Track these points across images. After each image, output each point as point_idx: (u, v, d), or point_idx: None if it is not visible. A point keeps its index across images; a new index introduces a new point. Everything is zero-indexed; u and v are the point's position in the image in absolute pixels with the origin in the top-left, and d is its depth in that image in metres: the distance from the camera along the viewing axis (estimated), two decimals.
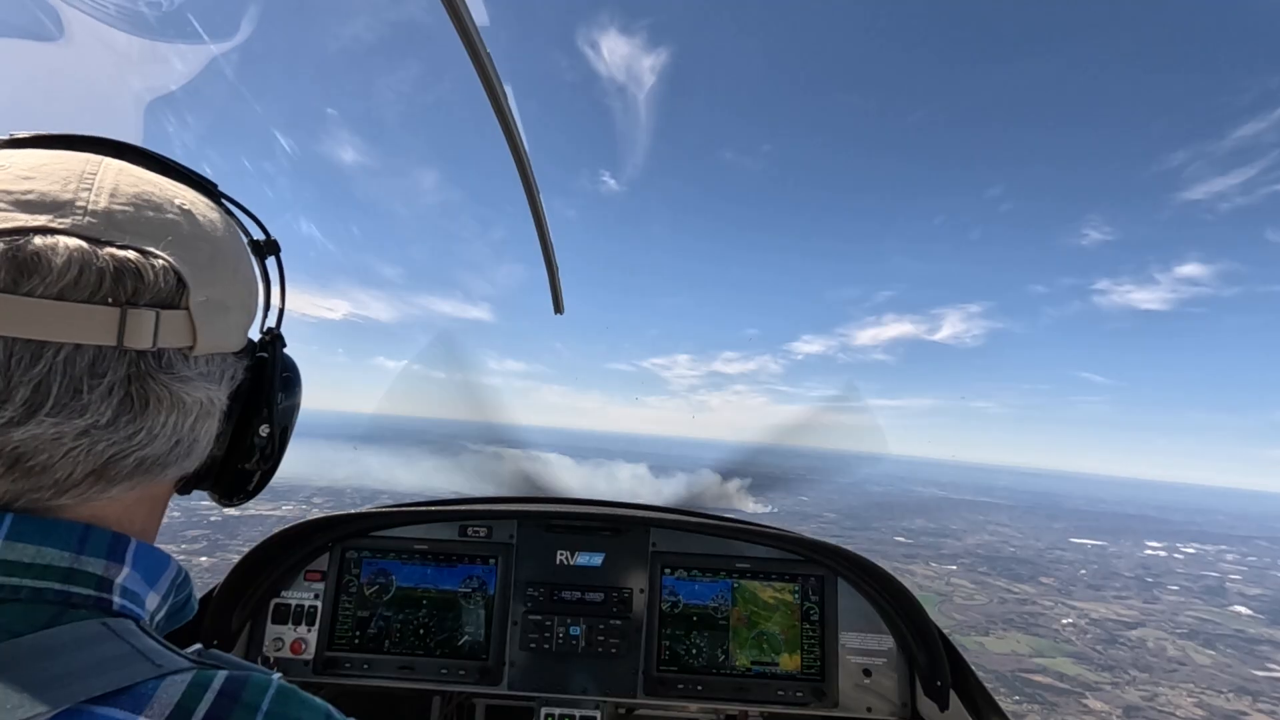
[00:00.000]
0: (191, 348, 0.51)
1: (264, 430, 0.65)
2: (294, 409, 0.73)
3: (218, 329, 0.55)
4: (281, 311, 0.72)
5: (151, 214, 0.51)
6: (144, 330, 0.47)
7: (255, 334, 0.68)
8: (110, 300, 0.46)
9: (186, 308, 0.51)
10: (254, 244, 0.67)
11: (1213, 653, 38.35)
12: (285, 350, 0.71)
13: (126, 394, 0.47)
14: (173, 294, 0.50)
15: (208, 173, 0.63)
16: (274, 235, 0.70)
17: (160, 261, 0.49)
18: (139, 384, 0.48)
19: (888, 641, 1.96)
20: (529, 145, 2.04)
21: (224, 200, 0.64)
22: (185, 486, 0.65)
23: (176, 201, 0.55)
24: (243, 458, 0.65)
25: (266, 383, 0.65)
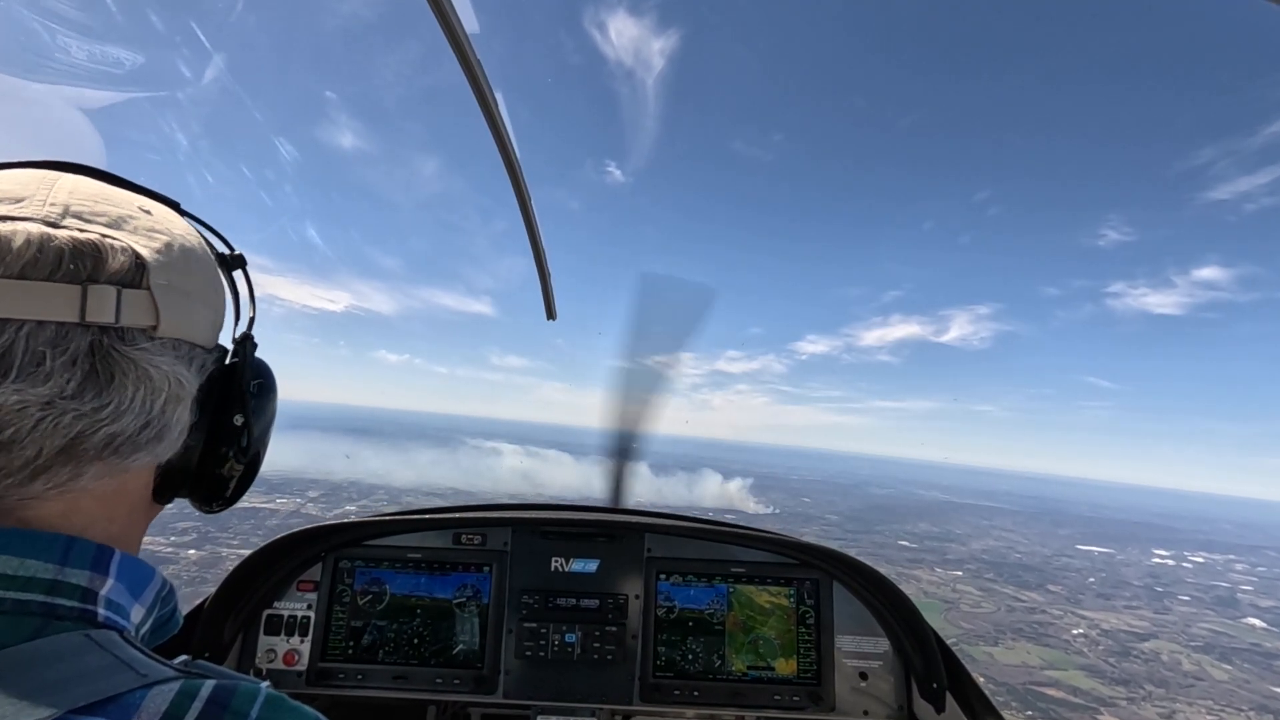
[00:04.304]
0: (155, 327, 0.52)
1: (239, 419, 0.64)
2: (270, 411, 0.72)
3: (181, 314, 0.55)
4: (252, 320, 0.73)
5: (109, 207, 0.54)
6: (106, 305, 0.48)
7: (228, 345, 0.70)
8: (71, 278, 0.47)
9: (148, 287, 0.52)
10: (220, 257, 0.68)
11: (1229, 667, 37.49)
12: (260, 358, 0.71)
13: (91, 367, 0.48)
14: (133, 273, 0.51)
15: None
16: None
17: (120, 243, 0.51)
18: (103, 356, 0.49)
19: (883, 644, 1.95)
20: (521, 152, 2.05)
21: (187, 216, 0.66)
22: (162, 490, 0.63)
23: (136, 203, 0.58)
24: (219, 454, 0.64)
25: (239, 373, 0.65)
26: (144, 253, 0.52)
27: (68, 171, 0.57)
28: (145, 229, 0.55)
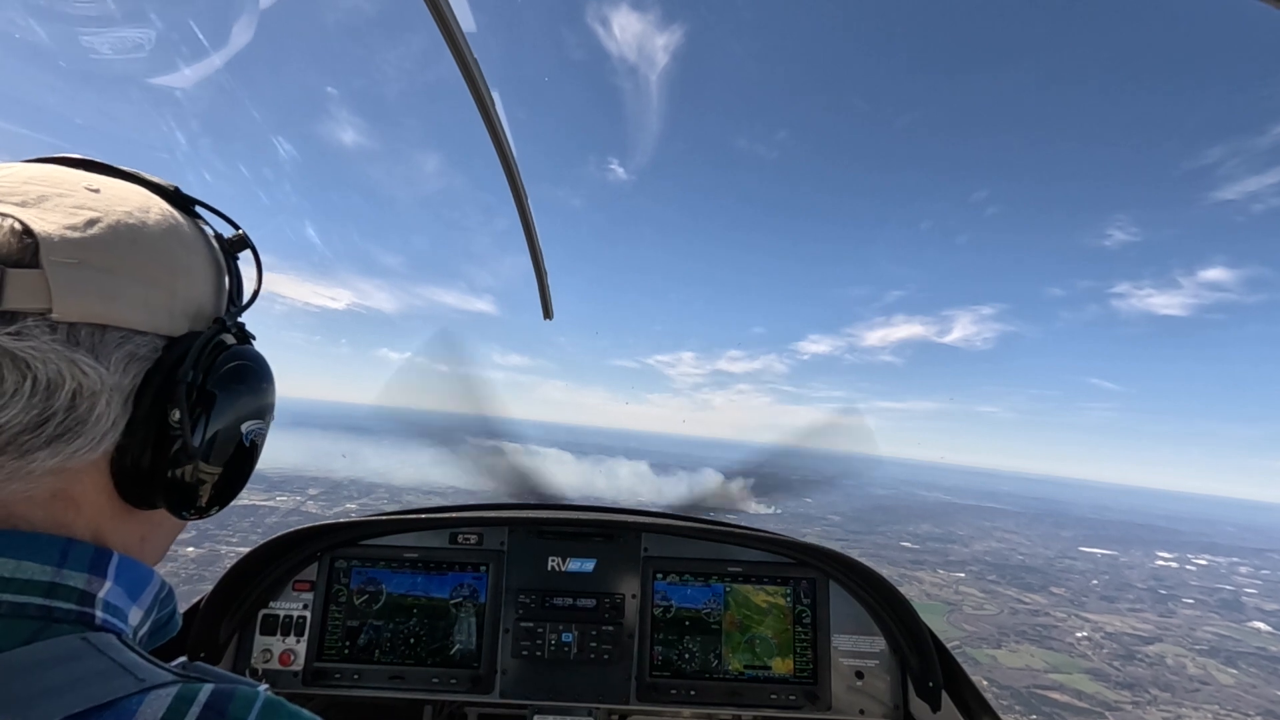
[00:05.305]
0: (49, 310, 0.45)
1: (175, 416, 0.54)
2: (241, 408, 0.62)
3: (96, 296, 0.48)
4: (245, 305, 0.68)
5: (43, 187, 0.49)
6: None
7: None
8: None
9: (40, 265, 0.45)
10: (220, 240, 0.65)
11: (1235, 672, 37.25)
12: (246, 347, 0.64)
13: None
14: (21, 250, 0.45)
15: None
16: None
17: (8, 221, 0.46)
18: None
19: (880, 643, 1.96)
20: (521, 151, 2.08)
21: (185, 199, 0.62)
22: (131, 496, 0.55)
23: (85, 183, 0.52)
24: (167, 457, 0.55)
25: (179, 364, 0.54)
26: (46, 228, 0.46)
27: (62, 164, 0.54)
28: (72, 206, 0.49)
